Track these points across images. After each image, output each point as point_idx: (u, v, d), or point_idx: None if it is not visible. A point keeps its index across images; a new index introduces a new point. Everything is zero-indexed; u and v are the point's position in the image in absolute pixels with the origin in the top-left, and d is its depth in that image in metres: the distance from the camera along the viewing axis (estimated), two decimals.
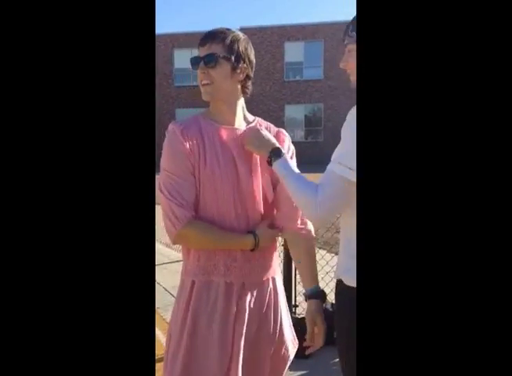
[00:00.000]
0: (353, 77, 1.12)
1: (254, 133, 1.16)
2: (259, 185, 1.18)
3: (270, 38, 17.81)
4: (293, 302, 2.57)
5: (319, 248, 3.77)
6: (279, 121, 16.58)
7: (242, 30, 19.06)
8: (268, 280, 1.21)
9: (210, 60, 1.10)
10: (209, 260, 1.15)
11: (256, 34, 17.68)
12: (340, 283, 1.11)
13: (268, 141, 1.16)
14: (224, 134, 1.16)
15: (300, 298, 2.57)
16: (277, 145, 1.16)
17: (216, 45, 1.11)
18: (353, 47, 1.10)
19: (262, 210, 1.19)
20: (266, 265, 1.21)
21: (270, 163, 1.14)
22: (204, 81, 1.13)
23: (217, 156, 1.13)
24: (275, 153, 1.14)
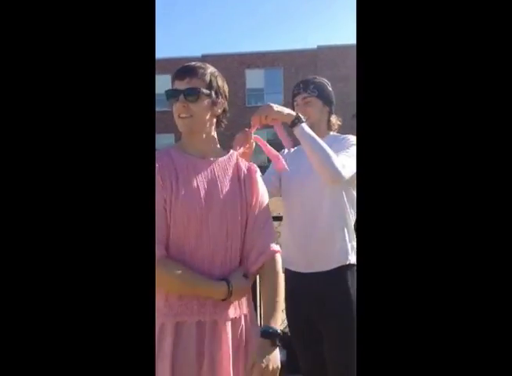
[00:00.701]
0: (310, 120, 1.46)
1: (276, 105, 1.37)
2: (235, 220, 1.16)
3: (231, 66, 18.20)
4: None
5: None
6: None
7: (204, 57, 19.17)
8: (241, 316, 1.18)
9: (191, 94, 1.13)
10: (180, 299, 1.11)
11: (217, 61, 17.99)
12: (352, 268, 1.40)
13: (290, 110, 1.40)
14: (197, 166, 1.16)
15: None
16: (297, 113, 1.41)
17: (196, 80, 1.14)
18: (312, 99, 1.49)
19: (238, 250, 1.17)
20: (240, 300, 1.18)
21: (294, 126, 1.36)
22: (183, 115, 1.14)
23: (190, 189, 1.13)
24: (299, 119, 1.37)
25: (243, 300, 1.20)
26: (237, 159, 1.25)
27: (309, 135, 1.35)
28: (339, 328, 1.43)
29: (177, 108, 1.14)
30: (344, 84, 17.04)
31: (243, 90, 18.24)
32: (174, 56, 18.22)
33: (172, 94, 1.14)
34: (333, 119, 1.54)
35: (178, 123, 1.16)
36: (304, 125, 1.37)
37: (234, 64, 18.21)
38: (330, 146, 1.36)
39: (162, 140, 14.02)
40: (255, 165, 1.28)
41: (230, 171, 1.20)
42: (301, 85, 1.52)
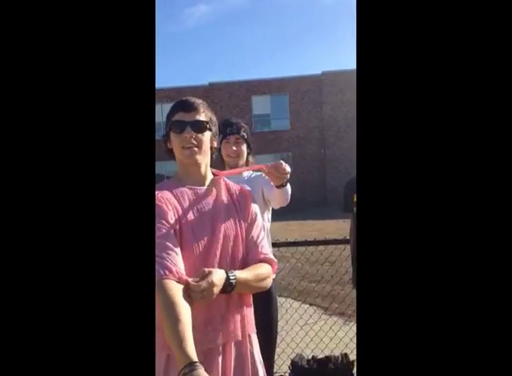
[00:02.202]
0: (239, 156, 1.88)
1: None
2: (238, 245, 1.19)
3: (238, 92, 18.56)
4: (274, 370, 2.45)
5: (294, 299, 3.74)
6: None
7: (211, 85, 19.57)
8: (245, 337, 1.19)
9: (199, 127, 1.18)
10: None
11: (224, 88, 18.40)
12: None
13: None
14: (199, 197, 1.20)
15: (275, 355, 2.50)
16: None
17: (201, 114, 1.20)
18: (242, 140, 1.89)
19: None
20: (244, 322, 1.19)
21: (283, 186, 1.58)
22: (190, 145, 1.18)
23: (191, 220, 1.15)
24: (287, 181, 1.59)
25: (249, 320, 1.20)
26: (226, 182, 1.30)
27: (287, 189, 1.71)
28: (262, 327, 1.47)
29: (182, 139, 1.18)
30: (349, 109, 17.27)
31: (249, 116, 18.52)
32: (182, 85, 18.68)
33: (179, 125, 1.18)
34: (251, 158, 1.97)
35: (184, 153, 1.19)
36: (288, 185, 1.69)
37: (241, 91, 18.57)
38: (253, 180, 1.83)
39: (170, 167, 14.16)
40: (247, 186, 1.33)
41: (225, 197, 1.25)
42: (234, 127, 1.90)
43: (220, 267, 1.14)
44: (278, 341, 2.62)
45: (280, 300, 3.46)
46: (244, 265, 1.20)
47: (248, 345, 1.19)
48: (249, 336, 1.20)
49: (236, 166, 1.88)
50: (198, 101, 1.22)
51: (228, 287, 1.09)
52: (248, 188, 1.33)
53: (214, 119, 1.25)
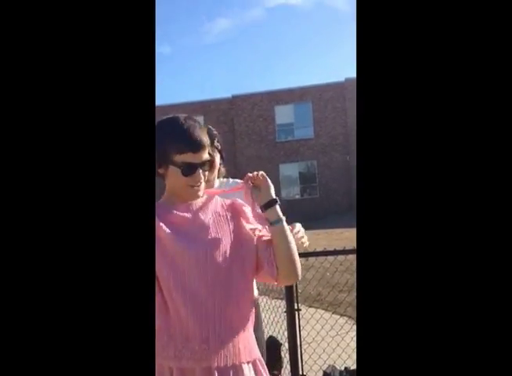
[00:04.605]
0: (215, 168, 1.64)
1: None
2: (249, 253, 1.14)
3: (261, 103, 18.68)
4: (300, 372, 2.43)
5: (325, 310, 3.68)
6: (275, 181, 16.82)
7: (234, 97, 19.76)
8: (249, 363, 1.13)
9: (208, 166, 1.15)
10: (184, 344, 1.07)
11: (247, 100, 18.56)
12: None
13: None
14: (196, 218, 1.15)
15: (307, 367, 2.46)
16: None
17: (206, 149, 1.13)
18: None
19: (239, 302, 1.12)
20: (245, 346, 1.13)
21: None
22: (200, 183, 1.13)
23: (183, 244, 1.10)
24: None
25: (250, 344, 1.15)
26: (216, 198, 1.23)
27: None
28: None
29: (192, 180, 1.12)
30: None
31: (272, 126, 18.60)
32: (205, 99, 18.98)
33: (190, 169, 1.11)
34: (222, 168, 1.86)
35: (190, 192, 1.14)
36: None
37: (264, 102, 18.69)
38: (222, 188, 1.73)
39: None
40: (238, 199, 1.23)
41: (220, 211, 1.19)
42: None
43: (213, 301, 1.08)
44: (310, 352, 2.58)
45: (310, 311, 3.42)
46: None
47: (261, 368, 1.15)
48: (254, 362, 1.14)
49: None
50: (202, 136, 1.12)
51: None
52: (240, 201, 1.23)
53: (220, 141, 1.24)
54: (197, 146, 1.10)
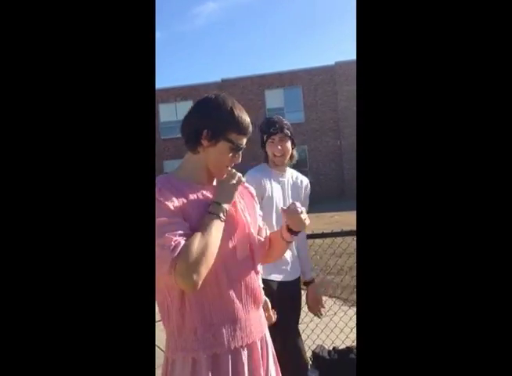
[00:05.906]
0: (286, 153, 1.97)
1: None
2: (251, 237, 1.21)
3: (251, 87, 18.51)
4: None
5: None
6: None
7: (223, 81, 19.42)
8: (264, 333, 1.21)
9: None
10: (207, 331, 1.09)
11: (237, 84, 18.38)
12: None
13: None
14: (207, 194, 1.17)
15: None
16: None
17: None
18: (286, 138, 1.95)
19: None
20: (262, 318, 1.22)
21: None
22: (230, 168, 1.20)
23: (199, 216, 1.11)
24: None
25: (262, 315, 1.23)
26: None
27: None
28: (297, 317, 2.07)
29: (230, 160, 1.18)
30: None
31: (263, 110, 18.47)
32: (194, 83, 18.75)
33: (239, 150, 1.18)
34: (294, 152, 2.03)
35: (223, 171, 1.18)
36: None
37: (253, 86, 18.52)
38: (297, 187, 2.02)
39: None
40: (250, 187, 1.35)
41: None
42: (277, 126, 1.96)
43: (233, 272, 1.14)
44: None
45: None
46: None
47: (268, 341, 1.21)
48: (265, 334, 1.21)
49: (282, 164, 1.97)
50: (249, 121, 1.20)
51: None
52: (249, 187, 1.35)
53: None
54: (249, 132, 1.20)
